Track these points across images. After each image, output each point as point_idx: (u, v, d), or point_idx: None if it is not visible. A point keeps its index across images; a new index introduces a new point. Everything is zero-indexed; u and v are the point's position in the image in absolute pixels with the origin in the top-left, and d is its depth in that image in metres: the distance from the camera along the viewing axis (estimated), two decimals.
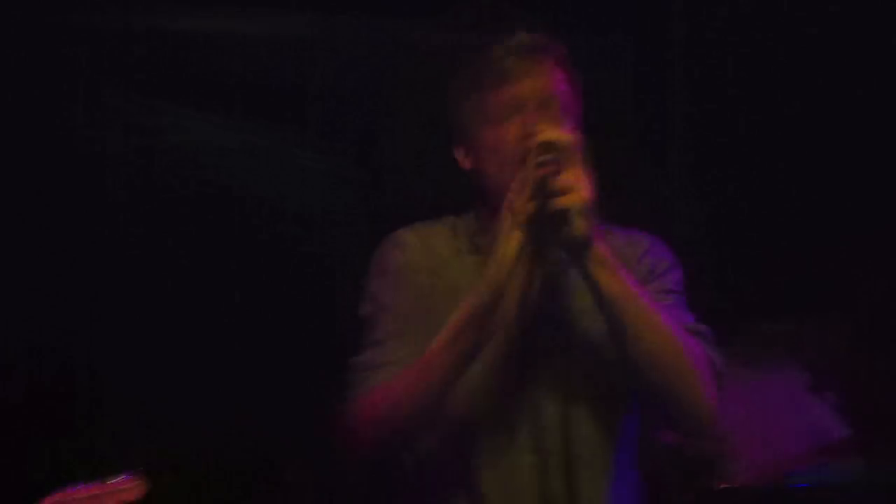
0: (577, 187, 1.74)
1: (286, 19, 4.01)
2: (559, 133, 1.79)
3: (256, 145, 3.97)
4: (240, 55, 3.99)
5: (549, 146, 1.76)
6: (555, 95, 1.91)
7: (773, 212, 3.79)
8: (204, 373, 3.68)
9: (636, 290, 1.81)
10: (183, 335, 3.71)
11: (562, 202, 1.74)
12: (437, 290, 1.94)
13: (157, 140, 3.90)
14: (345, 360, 1.95)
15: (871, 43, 3.62)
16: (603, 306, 1.80)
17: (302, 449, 3.71)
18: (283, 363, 3.74)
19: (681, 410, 1.84)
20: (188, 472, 3.55)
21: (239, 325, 3.77)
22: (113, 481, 1.91)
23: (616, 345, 1.81)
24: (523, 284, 1.82)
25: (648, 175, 3.82)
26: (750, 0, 3.72)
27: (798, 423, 3.55)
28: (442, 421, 1.87)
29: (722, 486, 3.39)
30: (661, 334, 1.80)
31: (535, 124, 1.82)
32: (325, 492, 3.69)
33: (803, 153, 3.75)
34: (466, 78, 1.97)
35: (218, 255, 3.83)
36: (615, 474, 1.92)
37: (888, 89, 3.63)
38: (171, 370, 3.68)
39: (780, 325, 3.65)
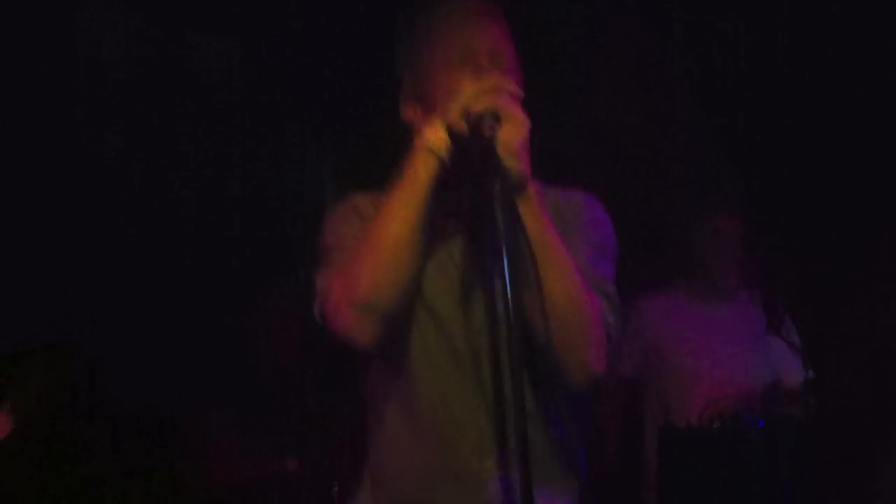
0: (517, 122, 1.80)
1: None
2: (509, 84, 1.84)
3: None
4: None
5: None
6: (502, 50, 1.97)
7: None
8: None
9: (555, 238, 1.86)
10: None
11: (496, 125, 1.78)
12: None
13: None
14: None
15: None
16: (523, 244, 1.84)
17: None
18: None
19: (566, 363, 1.87)
20: None
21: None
22: None
23: (523, 284, 1.82)
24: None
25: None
26: None
27: (756, 360, 3.56)
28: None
29: (678, 425, 3.40)
30: (565, 284, 1.84)
31: (489, 74, 1.87)
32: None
33: None
34: (420, 30, 2.02)
35: None
36: (552, 418, 1.95)
37: None
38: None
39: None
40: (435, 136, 1.84)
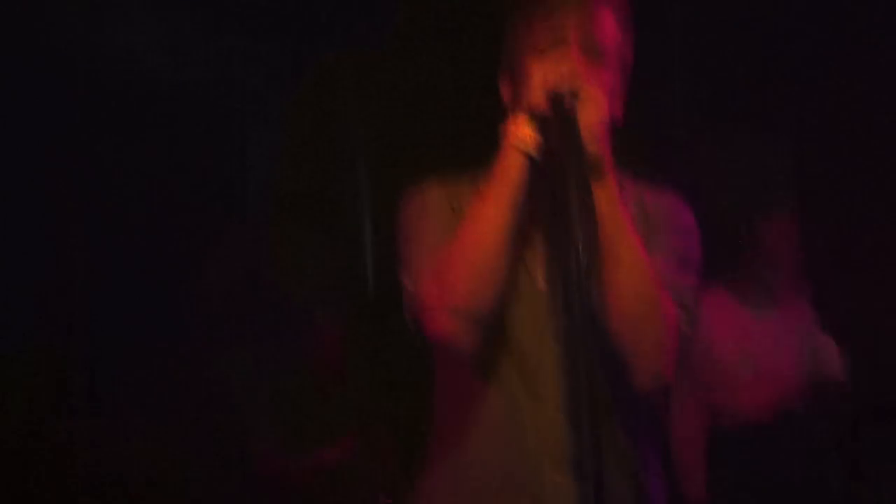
0: (596, 101, 1.76)
1: None
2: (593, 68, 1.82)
3: None
4: None
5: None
6: (599, 35, 1.91)
7: None
8: None
9: (631, 231, 1.82)
10: None
11: (575, 104, 1.75)
12: (457, 210, 1.97)
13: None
14: None
15: None
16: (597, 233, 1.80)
17: None
18: None
19: (633, 367, 1.83)
20: None
21: None
22: None
23: (595, 276, 1.79)
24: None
25: None
26: None
27: (798, 357, 3.55)
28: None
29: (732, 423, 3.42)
30: (637, 282, 1.80)
31: (574, 58, 1.82)
32: None
33: None
34: (519, 6, 1.98)
35: None
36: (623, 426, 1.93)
37: None
38: None
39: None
40: (522, 133, 1.81)
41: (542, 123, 1.79)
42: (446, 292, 1.83)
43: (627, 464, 1.93)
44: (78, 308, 3.88)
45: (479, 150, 1.94)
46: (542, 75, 1.78)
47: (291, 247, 4.20)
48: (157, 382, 3.78)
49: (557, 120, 1.76)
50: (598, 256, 1.78)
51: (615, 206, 1.79)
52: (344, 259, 4.43)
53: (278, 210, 4.41)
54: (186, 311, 3.92)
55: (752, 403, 3.38)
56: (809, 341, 3.56)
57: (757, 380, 3.46)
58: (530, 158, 1.81)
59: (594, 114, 1.75)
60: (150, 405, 3.75)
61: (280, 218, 4.35)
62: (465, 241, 1.84)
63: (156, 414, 3.75)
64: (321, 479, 3.66)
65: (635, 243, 1.81)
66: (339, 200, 4.53)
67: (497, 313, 1.87)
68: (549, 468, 1.89)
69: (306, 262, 4.18)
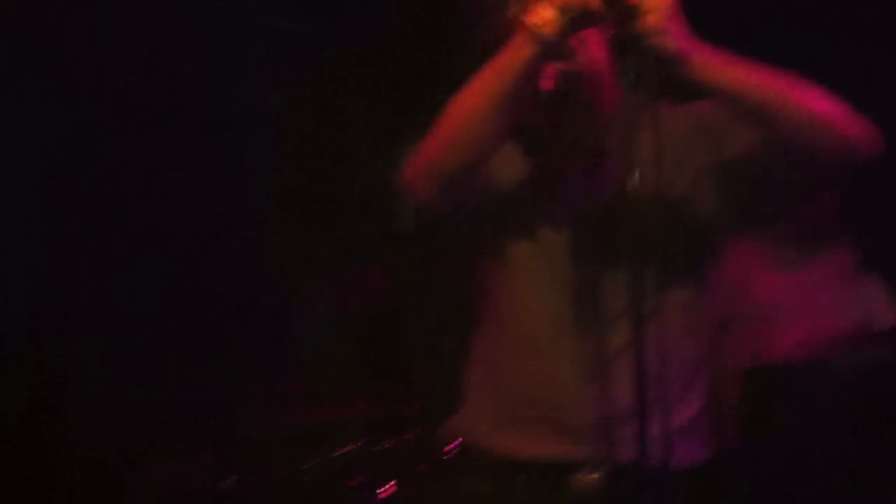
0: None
1: None
2: None
3: None
4: None
5: None
6: None
7: None
8: None
9: (758, 73, 1.78)
10: None
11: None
12: None
13: None
14: None
15: None
16: (732, 105, 1.78)
17: None
18: None
19: (833, 148, 1.80)
20: None
21: None
22: None
23: (757, 130, 1.79)
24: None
25: None
26: None
27: (847, 303, 3.49)
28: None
29: (766, 362, 3.35)
30: (799, 106, 1.78)
31: None
32: None
33: None
34: None
35: None
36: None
37: None
38: None
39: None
40: (541, 17, 1.75)
41: (577, 20, 1.74)
42: (425, 151, 1.87)
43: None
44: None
45: None
46: None
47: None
48: None
49: (613, 8, 1.70)
50: (753, 118, 1.77)
51: (730, 70, 1.76)
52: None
53: None
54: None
55: (794, 348, 3.30)
56: (856, 285, 3.50)
57: (800, 324, 3.39)
58: (543, 44, 1.75)
59: (658, 6, 1.69)
60: None
61: None
62: (452, 106, 1.85)
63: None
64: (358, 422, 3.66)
65: (774, 80, 1.78)
66: None
67: (460, 174, 1.87)
68: (593, 384, 1.92)
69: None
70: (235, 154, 4.13)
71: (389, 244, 4.10)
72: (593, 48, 1.90)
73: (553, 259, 1.96)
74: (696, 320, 2.02)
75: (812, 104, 1.79)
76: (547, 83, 1.87)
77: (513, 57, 1.79)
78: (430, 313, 3.96)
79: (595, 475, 1.95)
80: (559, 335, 1.95)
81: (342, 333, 3.94)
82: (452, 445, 2.17)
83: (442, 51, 2.18)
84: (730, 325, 3.51)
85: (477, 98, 1.83)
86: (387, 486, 3.25)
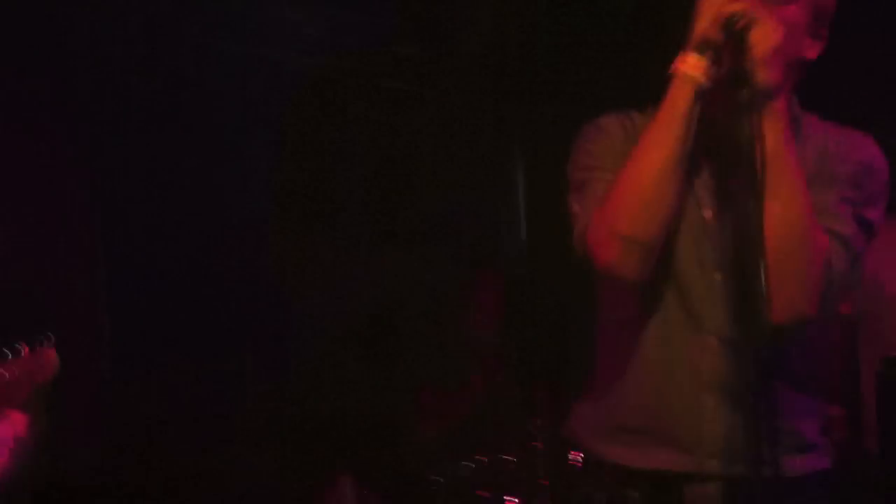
0: (768, 28, 1.76)
1: None
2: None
3: None
4: None
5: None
6: None
7: None
8: None
9: (791, 159, 1.82)
10: None
11: (748, 30, 1.75)
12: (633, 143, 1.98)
13: None
14: None
15: None
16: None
17: None
18: None
19: (778, 293, 1.74)
20: None
21: None
22: (22, 357, 1.84)
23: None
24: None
25: None
26: None
27: None
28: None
29: None
30: (789, 212, 1.80)
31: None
32: None
33: None
34: None
35: None
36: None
37: None
38: None
39: None
40: (692, 62, 1.83)
41: (713, 53, 1.82)
42: (615, 219, 1.87)
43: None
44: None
45: (655, 91, 1.96)
46: (718, 2, 1.79)
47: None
48: None
49: (729, 47, 1.79)
50: (757, 185, 1.75)
51: (779, 134, 1.80)
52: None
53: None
54: None
55: None
56: None
57: None
58: (699, 88, 1.83)
59: (766, 39, 1.75)
60: None
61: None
62: (634, 168, 1.87)
63: None
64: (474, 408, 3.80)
65: (795, 176, 1.82)
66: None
67: (662, 242, 1.89)
68: (707, 397, 1.93)
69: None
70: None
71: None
72: None
73: (675, 276, 1.97)
74: (818, 329, 2.00)
75: (803, 238, 1.82)
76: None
77: (675, 107, 1.86)
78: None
79: (710, 487, 1.95)
80: (680, 354, 1.97)
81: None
82: (574, 457, 2.17)
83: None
84: (862, 322, 3.45)
85: (659, 154, 1.86)
86: (512, 497, 3.26)
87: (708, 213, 1.96)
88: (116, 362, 3.78)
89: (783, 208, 1.79)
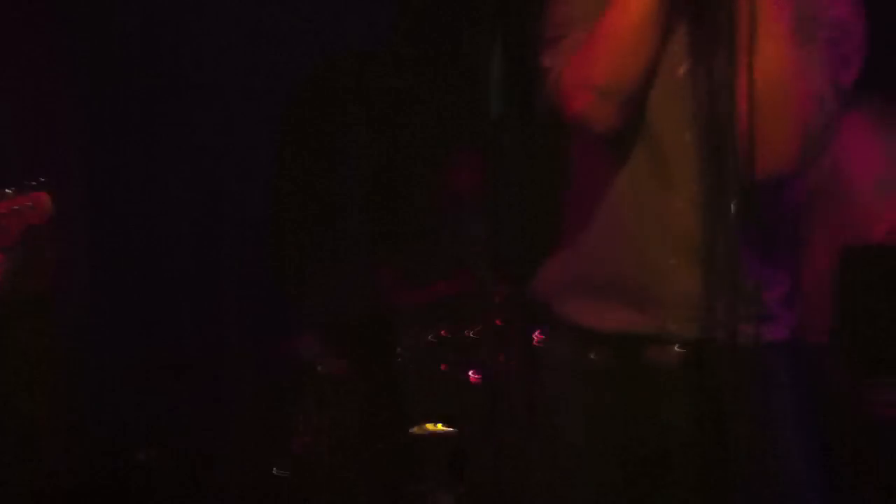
0: None
1: None
2: None
3: None
4: None
5: None
6: None
7: None
8: None
9: (782, 19, 1.81)
10: None
11: None
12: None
13: None
14: None
15: None
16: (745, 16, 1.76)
17: None
18: None
19: (760, 149, 1.74)
20: None
21: None
22: (14, 198, 1.84)
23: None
24: None
25: None
26: None
27: None
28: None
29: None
30: (777, 64, 1.80)
31: None
32: None
33: None
34: None
35: None
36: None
37: None
38: None
39: None
40: None
41: None
42: (590, 69, 1.86)
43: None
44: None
45: None
46: None
47: None
48: None
49: None
50: (741, 38, 1.72)
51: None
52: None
53: None
54: None
55: (881, 228, 3.22)
56: None
57: (887, 204, 3.29)
58: None
59: None
60: None
61: None
62: (611, 19, 1.85)
63: None
64: (439, 305, 3.83)
65: (782, 29, 1.80)
66: None
67: (637, 93, 1.88)
68: (673, 258, 1.92)
69: None
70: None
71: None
72: None
73: (646, 134, 1.95)
74: (789, 196, 2.00)
75: (785, 84, 1.82)
76: None
77: None
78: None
79: (671, 350, 1.95)
80: (649, 213, 1.95)
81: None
82: (538, 336, 2.18)
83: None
84: (818, 201, 3.39)
85: (635, 8, 1.83)
86: (474, 370, 3.30)
87: (680, 71, 1.93)
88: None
89: (768, 63, 1.76)
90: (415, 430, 3.55)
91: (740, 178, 1.70)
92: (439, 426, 3.55)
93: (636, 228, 1.96)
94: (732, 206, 1.68)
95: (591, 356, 2.00)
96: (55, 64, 3.76)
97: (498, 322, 3.37)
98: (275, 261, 4.26)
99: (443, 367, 3.54)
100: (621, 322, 1.98)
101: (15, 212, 1.94)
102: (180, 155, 4.06)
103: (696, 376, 1.90)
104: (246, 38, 4.17)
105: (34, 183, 2.03)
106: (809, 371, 2.17)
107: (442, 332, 3.59)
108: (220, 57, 4.11)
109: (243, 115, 4.20)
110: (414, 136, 4.66)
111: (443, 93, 4.64)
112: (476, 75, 4.55)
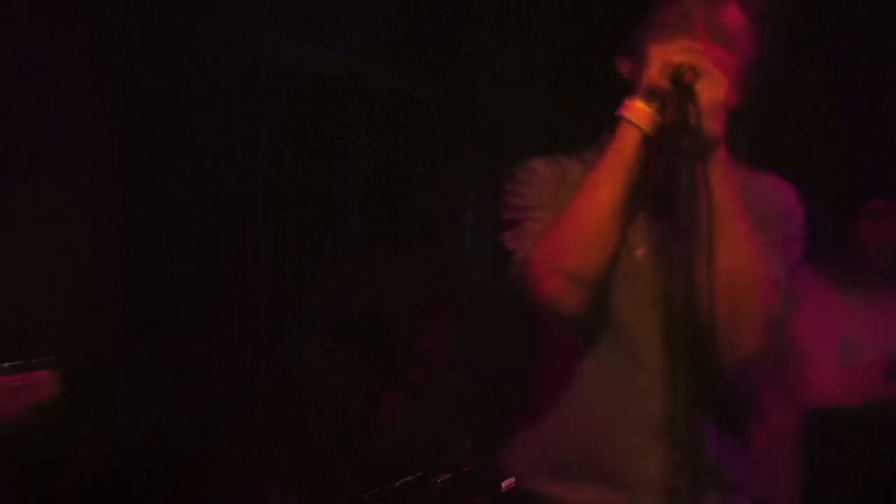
0: (714, 80, 1.79)
1: None
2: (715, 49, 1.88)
3: None
4: None
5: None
6: (725, 19, 1.96)
7: None
8: None
9: (740, 208, 1.87)
10: None
11: (695, 80, 1.78)
12: (564, 185, 2.06)
13: None
14: None
15: None
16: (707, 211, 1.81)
17: None
18: None
19: (724, 339, 1.82)
20: None
21: None
22: (22, 374, 1.84)
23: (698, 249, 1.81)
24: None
25: None
26: None
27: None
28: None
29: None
30: (742, 259, 1.85)
31: (698, 36, 1.89)
32: None
33: None
34: None
35: None
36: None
37: None
38: None
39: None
40: (638, 108, 1.86)
41: (659, 101, 1.85)
42: (559, 255, 1.90)
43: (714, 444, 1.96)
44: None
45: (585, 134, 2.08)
46: (665, 51, 1.82)
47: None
48: None
49: (676, 96, 1.80)
50: (703, 230, 1.78)
51: (725, 183, 1.84)
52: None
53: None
54: None
55: (842, 391, 3.30)
56: None
57: (849, 366, 3.37)
58: (644, 135, 1.87)
59: (713, 92, 1.78)
60: None
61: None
62: (579, 208, 1.90)
63: None
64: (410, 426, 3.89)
65: (745, 220, 1.86)
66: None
67: (603, 279, 1.93)
68: (643, 435, 1.97)
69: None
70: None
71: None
72: None
73: (609, 315, 2.01)
74: (751, 373, 2.06)
75: (751, 282, 1.86)
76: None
77: (621, 152, 1.89)
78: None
79: None
80: (614, 393, 2.01)
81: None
82: (509, 482, 2.22)
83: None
84: (779, 370, 3.45)
85: (604, 195, 1.89)
86: None
87: (639, 252, 2.01)
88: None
89: (734, 257, 1.83)
90: None
91: (704, 357, 1.76)
92: None
93: (602, 409, 2.01)
94: (696, 384, 1.73)
95: None
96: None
97: (470, 467, 3.41)
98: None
99: None
100: (591, 497, 2.02)
101: (14, 390, 1.95)
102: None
103: None
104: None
105: (35, 361, 2.04)
106: None
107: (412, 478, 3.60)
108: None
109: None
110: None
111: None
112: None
